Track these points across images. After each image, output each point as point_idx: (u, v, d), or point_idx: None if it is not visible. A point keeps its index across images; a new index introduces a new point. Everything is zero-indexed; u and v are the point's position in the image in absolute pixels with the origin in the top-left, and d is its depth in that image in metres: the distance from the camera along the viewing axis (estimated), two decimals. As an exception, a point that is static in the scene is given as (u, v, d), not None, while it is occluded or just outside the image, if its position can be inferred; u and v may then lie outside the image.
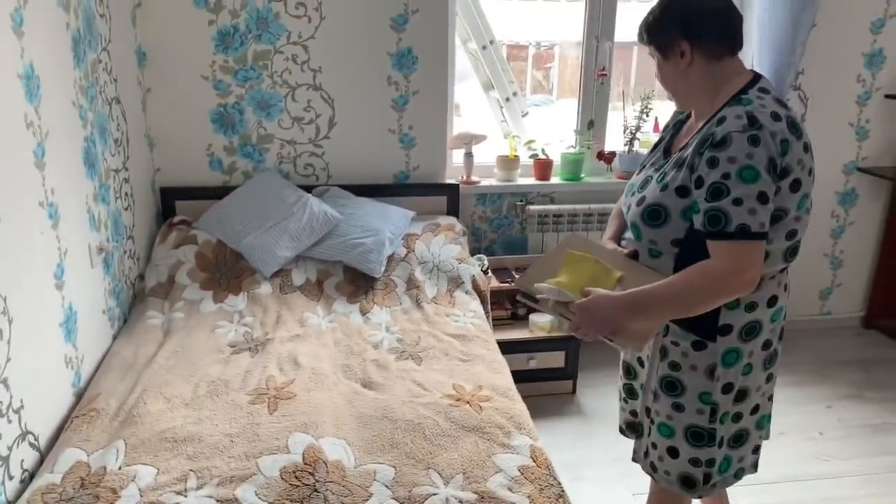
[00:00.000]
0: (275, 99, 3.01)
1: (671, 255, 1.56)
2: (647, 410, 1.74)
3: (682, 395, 1.65)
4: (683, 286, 1.47)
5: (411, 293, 2.78)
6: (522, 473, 1.74)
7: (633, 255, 1.66)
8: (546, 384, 3.10)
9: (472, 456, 1.79)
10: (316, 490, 1.61)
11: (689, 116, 1.70)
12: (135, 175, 2.72)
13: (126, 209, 2.60)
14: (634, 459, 1.85)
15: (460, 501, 1.63)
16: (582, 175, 3.38)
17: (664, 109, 3.58)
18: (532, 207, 3.32)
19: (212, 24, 2.88)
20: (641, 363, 1.78)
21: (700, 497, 1.75)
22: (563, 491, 1.70)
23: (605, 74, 3.32)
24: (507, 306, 3.21)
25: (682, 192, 1.50)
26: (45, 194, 1.89)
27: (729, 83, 1.54)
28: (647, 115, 3.32)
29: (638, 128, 3.34)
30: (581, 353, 3.12)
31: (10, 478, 1.64)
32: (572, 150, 3.37)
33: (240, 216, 2.87)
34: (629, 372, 1.85)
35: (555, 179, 3.38)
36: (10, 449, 1.63)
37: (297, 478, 1.64)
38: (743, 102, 1.47)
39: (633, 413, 1.86)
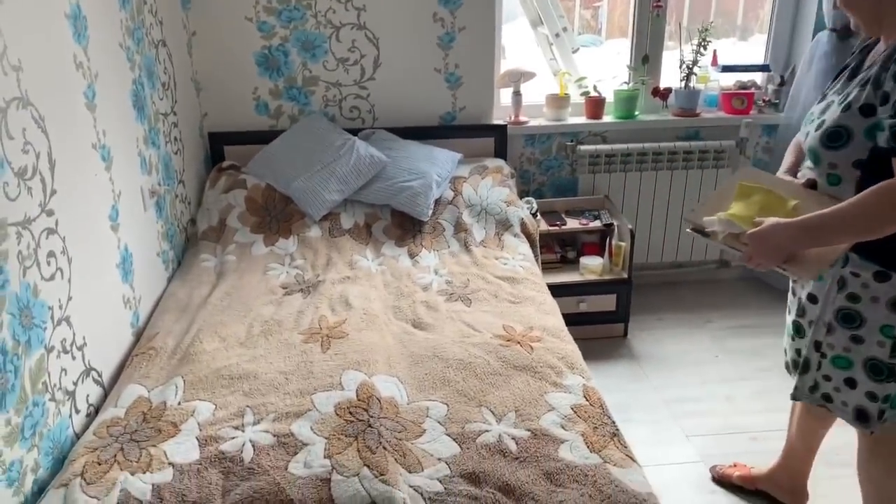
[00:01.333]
0: (319, 40, 2.96)
1: (852, 181, 1.51)
2: (818, 344, 1.68)
3: (861, 328, 1.60)
4: (863, 207, 1.40)
5: (459, 236, 2.75)
6: (575, 412, 1.72)
7: (811, 186, 1.61)
8: (597, 327, 3.06)
9: (523, 394, 1.78)
10: (370, 425, 1.62)
11: (875, 42, 1.60)
12: (183, 119, 2.73)
13: (176, 153, 2.62)
14: (795, 397, 1.80)
15: (513, 438, 1.62)
16: (636, 113, 3.26)
17: (722, 45, 3.41)
18: (583, 147, 3.23)
19: (254, -36, 2.83)
20: (813, 299, 1.70)
21: (871, 433, 1.70)
22: (617, 429, 1.68)
23: (660, 6, 3.16)
24: (556, 250, 3.15)
25: (867, 111, 1.44)
26: (97, 136, 1.90)
27: None
28: (705, 49, 3.16)
29: (695, 62, 3.18)
30: (633, 296, 3.06)
31: (77, 411, 1.69)
32: (626, 87, 3.25)
33: (287, 160, 2.87)
34: (799, 309, 1.77)
35: (607, 118, 3.27)
36: (75, 384, 1.69)
37: (351, 413, 1.66)
38: None
39: (799, 352, 1.79)
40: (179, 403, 1.72)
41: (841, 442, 2.04)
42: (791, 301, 1.83)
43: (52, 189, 1.62)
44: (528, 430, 1.65)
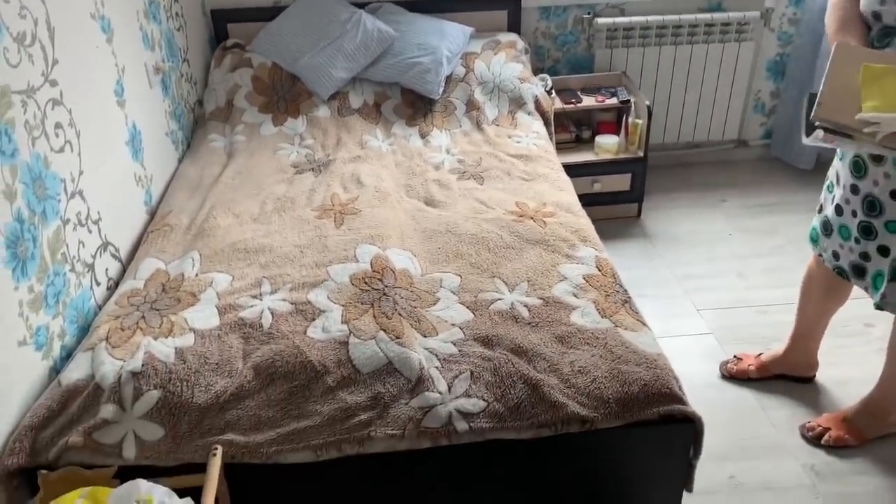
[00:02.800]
0: None
1: None
2: None
3: None
4: None
5: (471, 115, 2.69)
6: (587, 281, 1.74)
7: None
8: (611, 207, 3.04)
9: (536, 266, 1.79)
10: (385, 294, 1.64)
11: None
12: (183, -6, 2.62)
13: (178, 30, 2.53)
14: (881, 307, 1.70)
15: (525, 306, 1.64)
16: (656, -18, 3.09)
17: None
18: (600, 21, 3.08)
19: None
20: (894, 195, 1.59)
21: None
22: (629, 297, 1.70)
23: None
24: (570, 128, 3.09)
25: None
26: (95, 6, 1.84)
27: None
28: None
29: (722, -75, 2.98)
30: (648, 176, 3.02)
31: (98, 283, 1.73)
32: (646, -45, 3.06)
33: (293, 37, 2.77)
34: (873, 208, 1.64)
35: (626, -12, 3.11)
36: (93, 257, 1.71)
37: (366, 283, 1.68)
38: None
39: (865, 255, 1.70)
40: (197, 275, 1.75)
41: (845, 316, 2.07)
42: (845, 199, 1.71)
43: (54, 59, 1.58)
44: (541, 298, 1.67)
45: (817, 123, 1.40)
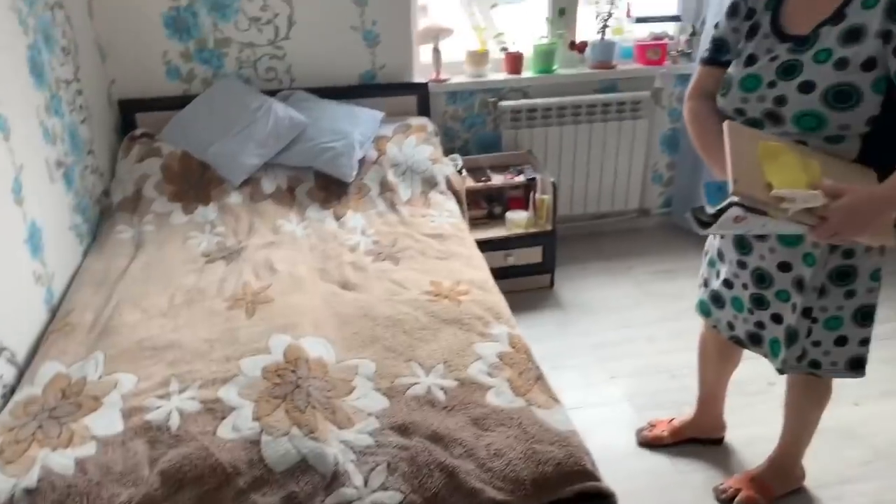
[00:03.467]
0: (229, -1, 2.86)
1: (857, 138, 1.48)
2: (807, 311, 1.67)
3: (854, 281, 1.63)
4: None
5: (385, 196, 2.75)
6: (501, 359, 1.77)
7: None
8: (524, 279, 3.13)
9: (451, 346, 1.81)
10: (298, 386, 1.62)
11: None
12: (88, 86, 2.60)
13: (83, 122, 2.50)
14: (783, 371, 1.78)
15: (442, 388, 1.66)
16: (555, 67, 3.29)
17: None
18: (504, 103, 3.25)
19: (154, -81, 2.69)
20: (785, 268, 1.67)
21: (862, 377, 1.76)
22: (541, 373, 1.74)
23: (574, -42, 3.18)
24: (483, 205, 3.19)
25: (869, 65, 1.42)
26: (-10, 105, 1.80)
27: None
28: (619, 1, 3.20)
29: (610, 14, 3.23)
30: (558, 247, 3.14)
31: (-9, 392, 1.63)
32: (544, 41, 3.27)
33: (203, 125, 2.78)
34: (762, 280, 1.73)
35: (527, 73, 3.29)
36: (-14, 365, 1.62)
37: (279, 376, 1.66)
38: None
39: (760, 325, 1.79)
40: (100, 377, 1.68)
41: (748, 375, 2.18)
42: (734, 274, 1.79)
43: (-56, 162, 1.53)
44: (456, 379, 1.69)
45: (736, 200, 1.45)
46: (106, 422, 1.53)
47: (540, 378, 1.72)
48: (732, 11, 1.66)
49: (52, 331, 1.89)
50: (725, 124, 1.54)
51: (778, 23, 1.57)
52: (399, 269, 2.23)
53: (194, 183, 2.68)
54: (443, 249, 2.35)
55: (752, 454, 2.15)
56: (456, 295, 2.05)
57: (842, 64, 1.44)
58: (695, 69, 3.29)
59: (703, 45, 3.18)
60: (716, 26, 1.71)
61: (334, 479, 1.40)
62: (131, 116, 2.93)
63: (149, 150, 2.74)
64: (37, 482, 1.34)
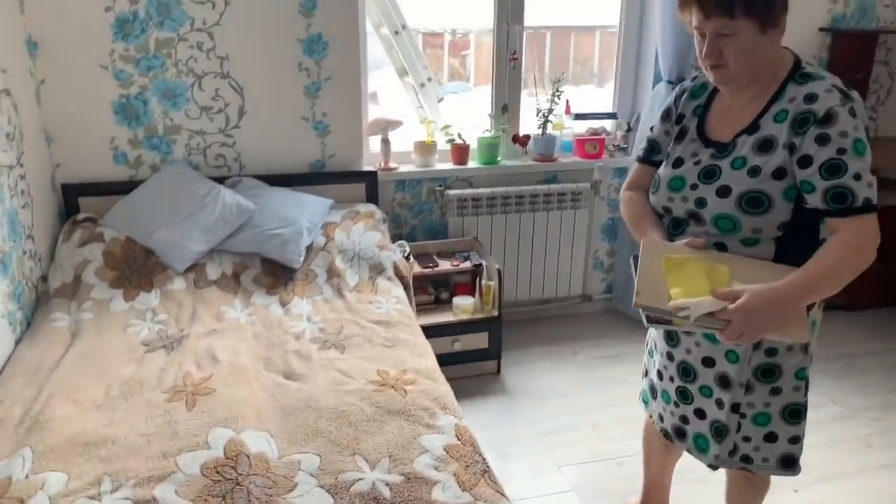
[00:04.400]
0: (181, 88, 2.90)
1: (771, 241, 1.55)
2: (736, 406, 1.70)
3: (779, 379, 1.66)
4: (835, 264, 1.46)
5: (332, 282, 2.75)
6: (448, 452, 1.76)
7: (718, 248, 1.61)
8: (471, 365, 3.14)
9: (397, 439, 1.79)
10: (238, 483, 1.58)
11: (709, 100, 1.69)
12: (32, 171, 2.57)
13: (23, 207, 2.46)
14: (715, 466, 1.79)
15: (387, 484, 1.63)
16: (499, 158, 3.42)
17: (574, 93, 3.67)
18: (451, 192, 3.34)
19: (109, 11, 2.74)
20: (708, 363, 1.71)
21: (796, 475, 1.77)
22: (488, 467, 1.73)
23: (516, 59, 3.37)
24: (430, 291, 3.22)
25: (779, 174, 1.51)
26: (-72, 193, 1.77)
27: (783, 58, 1.57)
28: (559, 98, 3.39)
29: (550, 110, 3.40)
30: (504, 333, 3.18)
31: None
32: (488, 135, 3.41)
33: (149, 211, 2.76)
34: (688, 374, 1.77)
35: (472, 164, 3.41)
36: None
37: (218, 473, 1.61)
38: (816, 77, 1.51)
39: (684, 419, 1.82)
40: (27, 476, 1.60)
41: (691, 462, 2.20)
42: (663, 366, 1.84)
43: None
44: (402, 474, 1.67)
45: (639, 310, 1.54)
46: (30, 527, 1.45)
47: (486, 472, 1.71)
48: (665, 115, 1.79)
49: (-24, 426, 1.80)
50: (642, 241, 1.65)
51: (703, 129, 1.69)
52: (345, 357, 2.22)
53: (136, 269, 2.64)
54: (389, 337, 2.36)
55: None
56: (402, 384, 2.04)
57: (755, 172, 1.54)
58: (630, 163, 3.49)
59: (638, 142, 3.40)
60: (651, 129, 1.83)
61: (274, 585, 1.35)
62: (74, 200, 2.89)
63: (91, 235, 2.70)
64: None
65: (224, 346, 2.22)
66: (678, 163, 1.69)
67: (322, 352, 2.25)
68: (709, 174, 1.61)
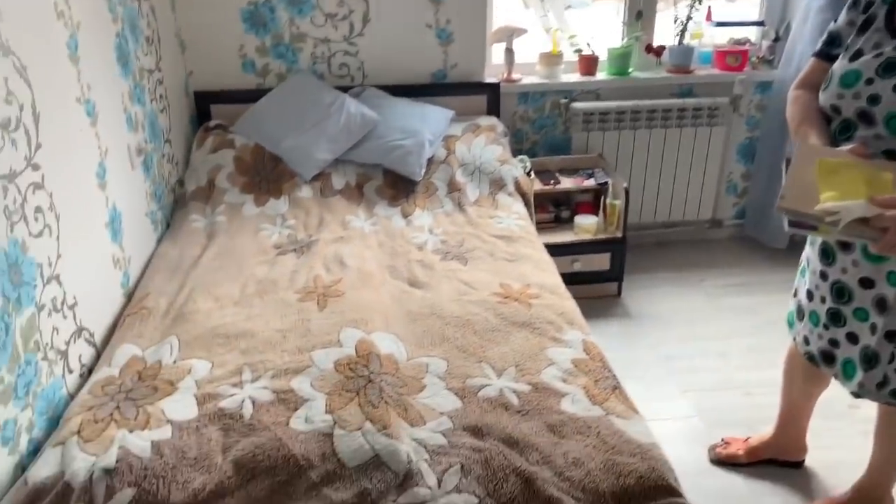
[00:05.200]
0: (306, -6, 2.87)
1: None
2: (891, 335, 1.56)
3: None
4: None
5: (453, 196, 2.71)
6: (576, 366, 1.71)
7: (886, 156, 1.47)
8: (592, 287, 3.05)
9: (523, 350, 1.76)
10: (371, 381, 1.60)
11: None
12: (168, 77, 2.65)
13: (162, 111, 2.54)
14: (860, 395, 1.67)
15: (514, 392, 1.61)
16: (630, 70, 3.21)
17: (717, 2, 3.36)
18: (576, 105, 3.18)
19: (238, -86, 2.72)
20: (866, 284, 1.58)
21: None
22: (618, 383, 1.67)
23: (655, -41, 3.10)
24: (550, 209, 3.13)
25: None
26: (81, 90, 1.84)
27: None
28: (699, 4, 3.11)
29: (689, 18, 3.13)
30: (627, 255, 3.05)
31: (70, 371, 1.66)
32: (619, 44, 3.19)
33: (276, 119, 2.80)
34: (841, 295, 1.64)
35: (600, 75, 3.22)
36: (67, 344, 1.65)
37: (351, 370, 1.64)
38: None
39: (834, 342, 1.70)
40: (175, 362, 1.69)
41: (832, 395, 2.05)
42: (815, 285, 1.71)
43: (38, 143, 1.57)
44: (529, 384, 1.64)
45: (782, 215, 1.43)
46: (180, 406, 1.53)
47: (617, 388, 1.65)
48: (853, 3, 1.60)
49: (128, 314, 1.92)
50: (798, 145, 1.50)
51: (893, 18, 1.50)
52: (467, 269, 2.20)
53: (266, 175, 2.70)
54: (511, 251, 2.31)
55: (834, 479, 2.04)
56: (526, 298, 2.00)
57: None
58: (776, 76, 3.19)
59: (788, 52, 3.08)
60: (835, 20, 1.64)
61: (407, 478, 1.37)
62: (206, 107, 2.97)
63: (222, 142, 2.78)
64: (115, 462, 1.34)
65: (351, 253, 2.25)
66: (857, 55, 1.52)
67: (444, 263, 2.24)
68: (889, 68, 1.45)
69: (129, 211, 2.13)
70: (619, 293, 3.08)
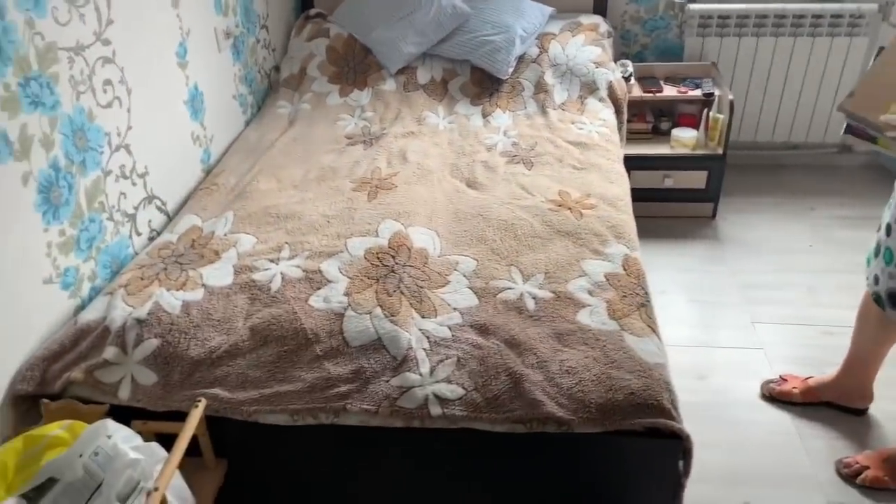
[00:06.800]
0: None
1: None
2: None
3: None
4: None
5: (538, 97, 2.62)
6: (608, 280, 1.66)
7: None
8: (684, 205, 2.87)
9: (558, 258, 1.73)
10: (393, 271, 1.65)
11: None
12: (268, -38, 2.71)
13: (258, -3, 2.63)
14: None
15: (534, 298, 1.60)
16: (759, -33, 2.86)
17: None
18: (694, 6, 2.90)
19: None
20: None
21: None
22: (647, 301, 1.61)
23: None
24: (648, 118, 2.94)
25: None
26: (162, -29, 1.94)
27: None
28: None
29: None
30: (728, 175, 2.83)
31: (139, 234, 1.85)
32: (752, -64, 2.84)
33: (371, 9, 2.81)
34: None
35: (725, -27, 2.90)
36: (135, 209, 1.83)
37: (378, 259, 1.70)
38: None
39: None
40: (226, 234, 1.83)
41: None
42: (894, 219, 1.54)
43: (109, 19, 1.69)
44: (553, 292, 1.62)
45: (843, 115, 1.30)
46: (219, 273, 1.67)
47: (644, 305, 1.60)
48: None
49: (200, 188, 2.08)
50: (894, 37, 1.27)
51: None
52: (530, 174, 2.15)
53: (354, 66, 2.74)
54: (582, 159, 2.22)
55: (894, 432, 1.87)
56: (581, 208, 1.94)
57: None
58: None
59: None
60: None
61: (403, 363, 1.43)
62: (310, -4, 3.03)
63: (318, 30, 2.83)
64: (146, 315, 1.51)
65: (416, 149, 2.27)
66: None
67: (509, 165, 2.20)
68: None
69: (214, 92, 2.26)
70: (714, 215, 2.89)
